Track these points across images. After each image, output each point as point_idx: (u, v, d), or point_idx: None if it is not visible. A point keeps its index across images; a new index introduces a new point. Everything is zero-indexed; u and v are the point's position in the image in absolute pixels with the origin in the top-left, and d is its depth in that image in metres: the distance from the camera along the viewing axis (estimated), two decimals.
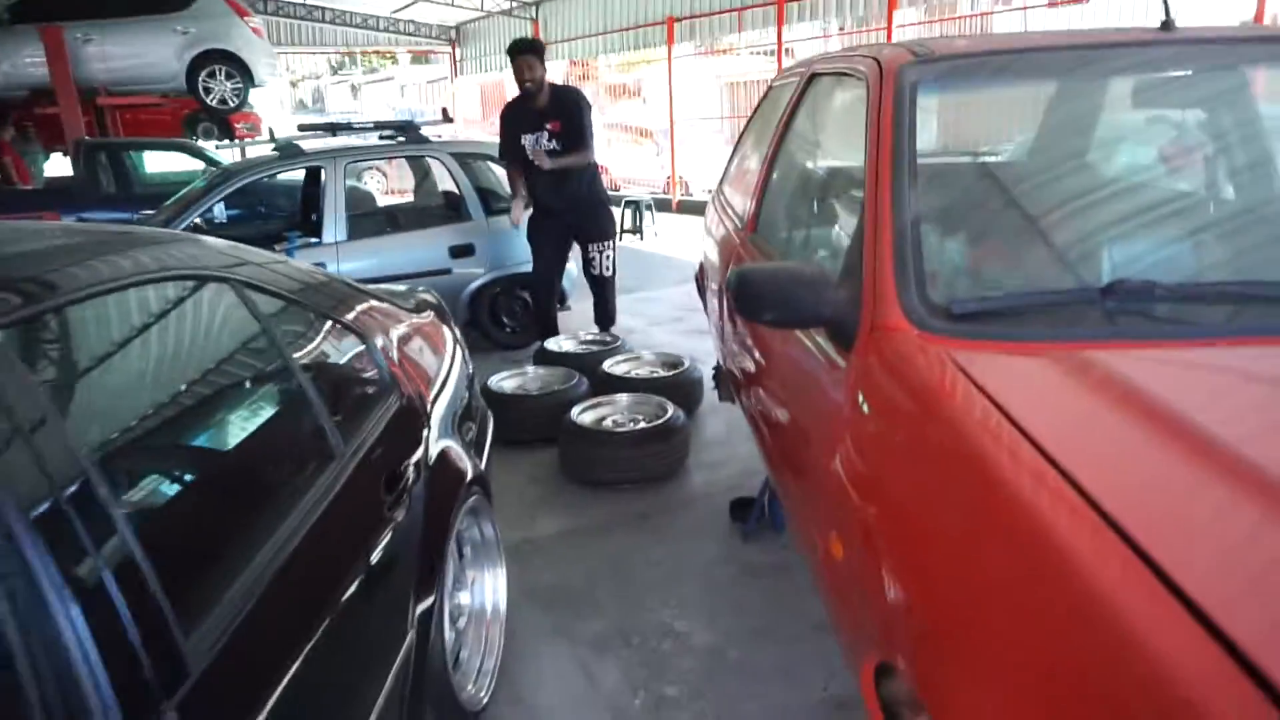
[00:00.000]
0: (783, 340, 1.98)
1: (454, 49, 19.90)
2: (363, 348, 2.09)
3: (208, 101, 10.68)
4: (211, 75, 10.56)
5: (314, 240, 5.14)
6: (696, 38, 13.44)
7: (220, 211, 6.34)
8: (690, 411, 4.20)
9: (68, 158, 9.41)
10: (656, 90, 30.15)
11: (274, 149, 5.59)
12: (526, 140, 4.92)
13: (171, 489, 1.53)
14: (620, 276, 8.07)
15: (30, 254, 1.41)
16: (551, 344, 5.01)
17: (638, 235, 10.57)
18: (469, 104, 26.50)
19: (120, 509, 1.10)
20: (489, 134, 18.93)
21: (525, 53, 4.86)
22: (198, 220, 5.29)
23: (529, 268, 5.63)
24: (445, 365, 2.56)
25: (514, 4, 16.28)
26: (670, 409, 3.77)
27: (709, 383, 4.32)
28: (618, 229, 5.28)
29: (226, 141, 12.20)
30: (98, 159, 8.10)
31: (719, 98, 27.77)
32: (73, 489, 1.03)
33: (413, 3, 16.35)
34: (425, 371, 2.39)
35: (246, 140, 11.46)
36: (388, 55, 38.84)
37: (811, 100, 2.46)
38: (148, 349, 1.58)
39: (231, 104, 10.85)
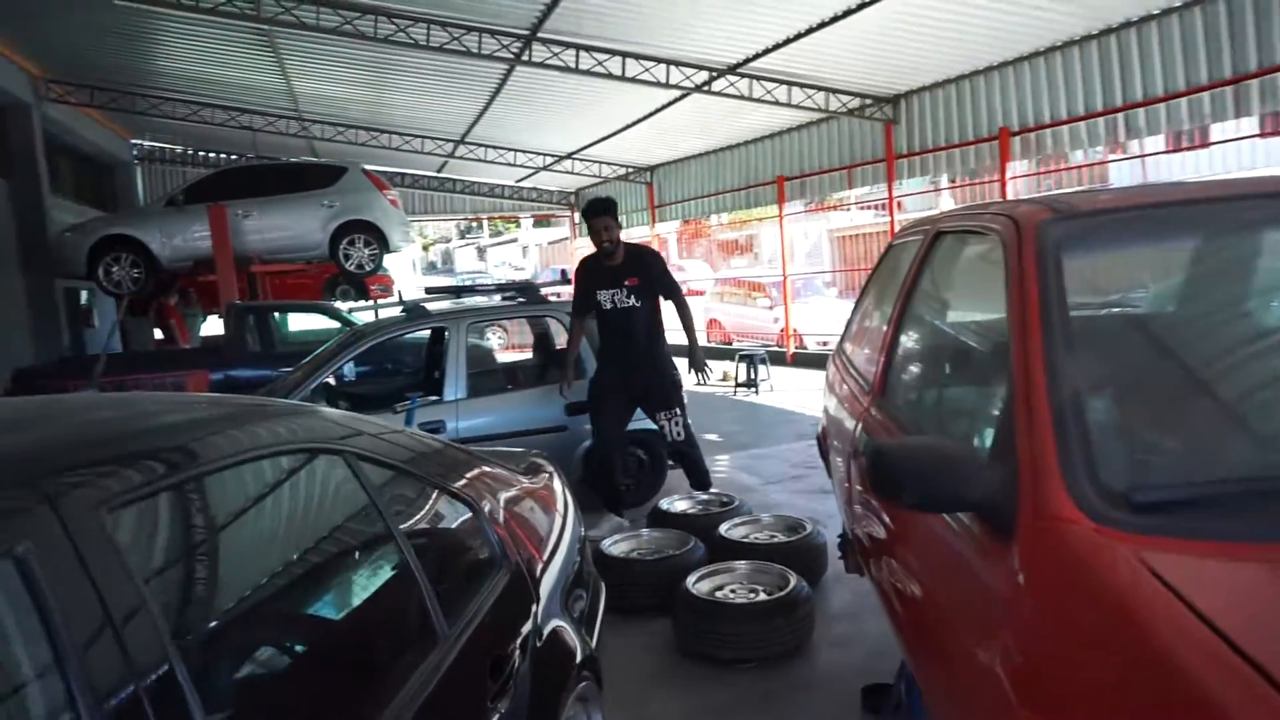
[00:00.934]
0: (924, 514, 1.80)
1: (573, 212, 21.02)
2: (472, 517, 2.02)
3: (346, 267, 11.50)
4: (351, 243, 11.41)
5: (435, 398, 5.27)
6: (806, 194, 13.72)
7: (350, 370, 6.64)
8: (814, 581, 3.93)
9: (221, 319, 10.20)
10: (768, 245, 30.87)
11: (401, 311, 5.86)
12: (603, 295, 5.03)
13: (272, 669, 1.46)
14: (735, 432, 8.08)
15: (156, 429, 1.42)
16: (666, 504, 4.87)
17: (752, 389, 10.47)
18: None
19: (211, 689, 1.05)
20: None
21: (602, 214, 5.01)
22: (329, 380, 5.54)
23: (643, 425, 5.59)
24: (556, 532, 2.46)
25: (629, 170, 17.19)
26: (793, 580, 3.53)
27: (833, 549, 4.06)
28: (684, 393, 5.27)
29: (362, 302, 13.12)
30: (246, 320, 8.74)
31: (829, 250, 28.21)
32: (165, 670, 1.01)
33: (535, 172, 17.49)
34: (536, 539, 2.29)
35: (380, 301, 12.24)
36: (512, 219, 41.47)
37: (938, 259, 2.36)
38: (260, 523, 1.55)
39: (367, 268, 11.64)
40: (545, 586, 2.16)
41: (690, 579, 3.61)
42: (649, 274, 5.02)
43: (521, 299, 5.88)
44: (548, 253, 42.19)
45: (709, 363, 5.57)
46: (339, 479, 1.65)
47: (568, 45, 9.57)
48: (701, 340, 5.71)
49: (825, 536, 4.18)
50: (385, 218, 11.58)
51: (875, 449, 1.46)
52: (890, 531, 2.16)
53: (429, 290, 6.39)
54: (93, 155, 16.48)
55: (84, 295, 14.63)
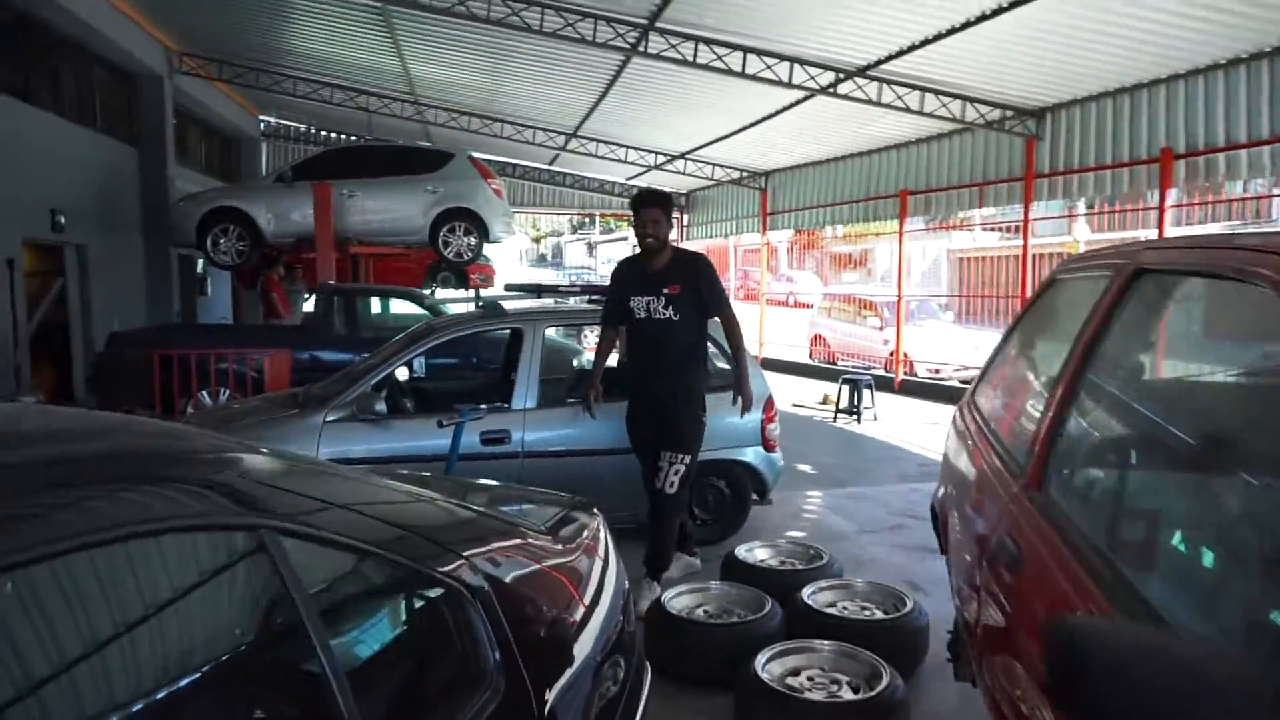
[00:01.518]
0: None
1: (682, 214, 20.50)
2: (459, 612, 1.49)
3: (445, 254, 11.30)
4: (452, 231, 11.19)
5: (502, 405, 4.83)
6: (930, 210, 12.78)
7: (420, 365, 6.29)
8: (910, 672, 3.27)
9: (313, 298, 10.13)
10: (882, 261, 29.60)
11: (479, 307, 5.45)
12: (637, 303, 4.23)
13: None
14: (831, 465, 7.37)
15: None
16: (744, 551, 4.27)
17: (854, 416, 9.70)
18: None
19: None
20: None
21: (651, 205, 4.21)
22: (398, 374, 5.17)
23: (730, 451, 5.01)
24: (582, 619, 1.91)
25: (743, 174, 16.54)
26: (886, 676, 2.88)
27: (937, 631, 3.39)
28: (701, 441, 4.29)
29: (462, 291, 12.95)
30: (333, 302, 8.57)
31: (948, 271, 26.75)
32: None
33: (646, 170, 17.05)
34: (555, 637, 1.75)
35: (480, 291, 12.04)
36: (623, 217, 41.29)
37: (1143, 307, 1.70)
38: (108, 649, 1.06)
39: (466, 257, 11.41)
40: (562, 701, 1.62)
41: (761, 657, 3.01)
42: (694, 283, 4.18)
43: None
44: None
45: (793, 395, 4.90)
46: (245, 571, 1.15)
47: (686, 37, 9.04)
48: (754, 373, 4.71)
49: (928, 618, 3.51)
50: (487, 206, 11.32)
51: (1067, 637, 0.86)
52: (1030, 655, 1.53)
53: (508, 287, 5.97)
54: (221, 129, 16.98)
55: (199, 264, 15.03)
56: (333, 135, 17.92)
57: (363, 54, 12.07)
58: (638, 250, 4.42)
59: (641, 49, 9.12)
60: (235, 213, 10.81)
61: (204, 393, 8.07)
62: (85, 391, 8.82)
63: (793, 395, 11.53)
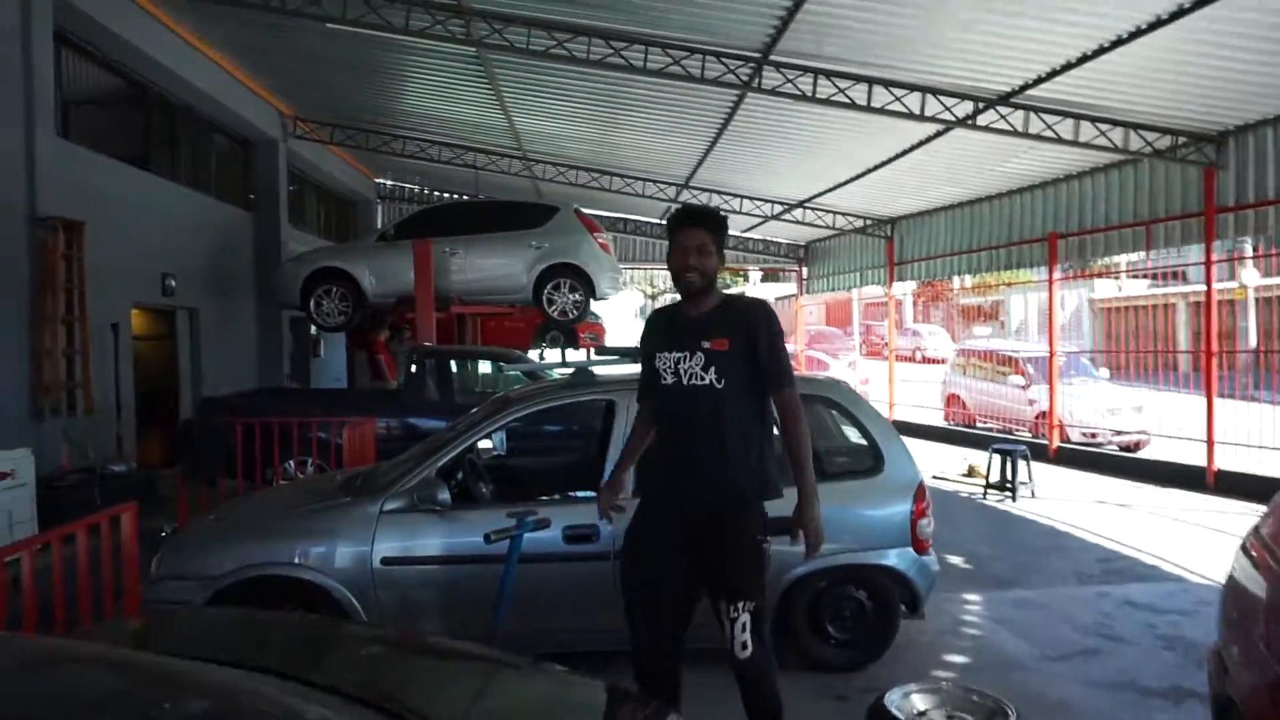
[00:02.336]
0: None
1: (801, 266, 19.51)
2: None
3: (550, 313, 10.73)
4: (556, 288, 10.63)
5: (586, 495, 4.00)
6: (1085, 254, 11.35)
7: (500, 441, 5.56)
8: None
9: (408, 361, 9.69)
10: (1016, 313, 27.50)
11: (569, 374, 4.68)
12: (664, 361, 2.87)
13: None
14: (987, 558, 6.11)
15: None
16: (895, 701, 3.22)
17: (1008, 493, 8.39)
18: (815, 323, 26.07)
19: None
20: (823, 352, 17.15)
21: (695, 225, 2.87)
22: (473, 456, 4.45)
23: (871, 554, 4.00)
24: None
25: (868, 222, 15.46)
26: None
27: None
28: (768, 569, 2.83)
29: (570, 352, 12.34)
30: (426, 365, 8.04)
31: (1091, 323, 24.54)
32: None
33: (763, 221, 16.20)
34: None
35: (591, 351, 11.40)
36: (740, 271, 40.58)
37: None
38: None
39: (571, 315, 10.80)
40: None
41: None
42: (749, 337, 2.81)
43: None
44: (775, 309, 40.62)
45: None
46: None
47: (804, 70, 8.21)
48: (897, 452, 3.92)
49: None
50: (594, 262, 10.71)
51: None
52: None
53: (599, 351, 5.18)
54: (338, 192, 17.26)
55: (314, 326, 15.08)
56: (444, 195, 17.96)
57: (467, 109, 11.83)
58: (672, 303, 3.11)
59: (755, 84, 8.34)
60: (338, 273, 10.59)
61: (290, 463, 7.63)
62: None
63: (931, 464, 10.27)
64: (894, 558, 4.03)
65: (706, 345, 2.80)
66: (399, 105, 12.31)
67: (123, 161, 9.41)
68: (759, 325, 2.82)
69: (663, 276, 51.75)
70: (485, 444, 5.42)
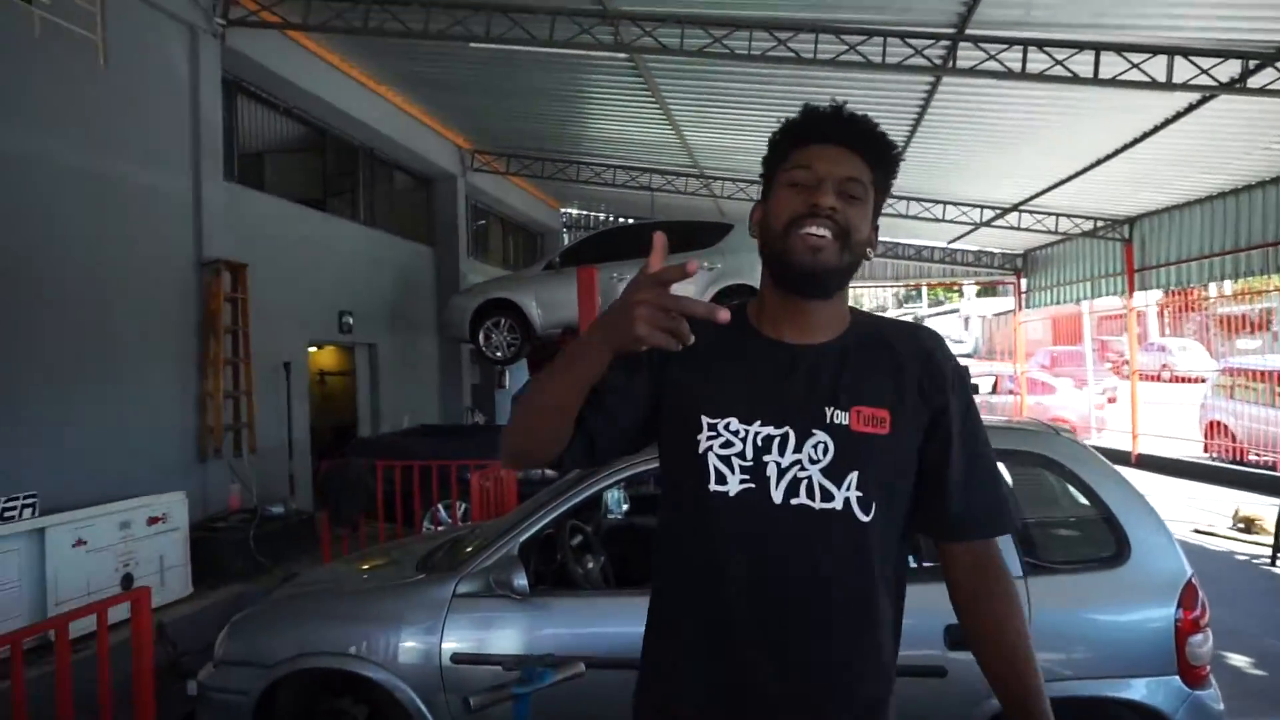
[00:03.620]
0: None
1: (1019, 278, 17.35)
2: None
3: None
4: None
5: None
6: None
7: (616, 501, 4.69)
8: None
9: None
10: None
11: None
12: (728, 438, 1.34)
13: None
14: None
15: None
16: None
17: None
18: (1037, 340, 23.29)
19: None
20: (1053, 374, 14.69)
21: (844, 140, 1.36)
22: (577, 523, 3.65)
23: (1110, 683, 2.78)
24: None
25: (1099, 223, 13.31)
26: None
27: None
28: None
29: None
30: None
31: None
32: None
33: (971, 229, 14.43)
34: None
35: None
36: (955, 286, 37.80)
37: None
38: None
39: None
40: None
41: None
42: (930, 412, 1.37)
43: None
44: (991, 326, 37.33)
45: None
46: None
47: (1009, 42, 6.85)
48: (1149, 530, 2.60)
49: None
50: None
51: None
52: None
53: None
54: (522, 223, 17.37)
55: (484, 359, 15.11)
56: (625, 220, 17.63)
57: (635, 128, 11.26)
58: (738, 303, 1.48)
59: (949, 65, 7.07)
60: (506, 305, 10.32)
61: (441, 505, 7.23)
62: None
63: (1188, 514, 8.33)
64: (1146, 690, 2.77)
65: (842, 418, 1.33)
66: (568, 130, 11.99)
67: (301, 203, 9.62)
68: (948, 387, 1.38)
69: (869, 295, 49.05)
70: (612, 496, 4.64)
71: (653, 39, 7.21)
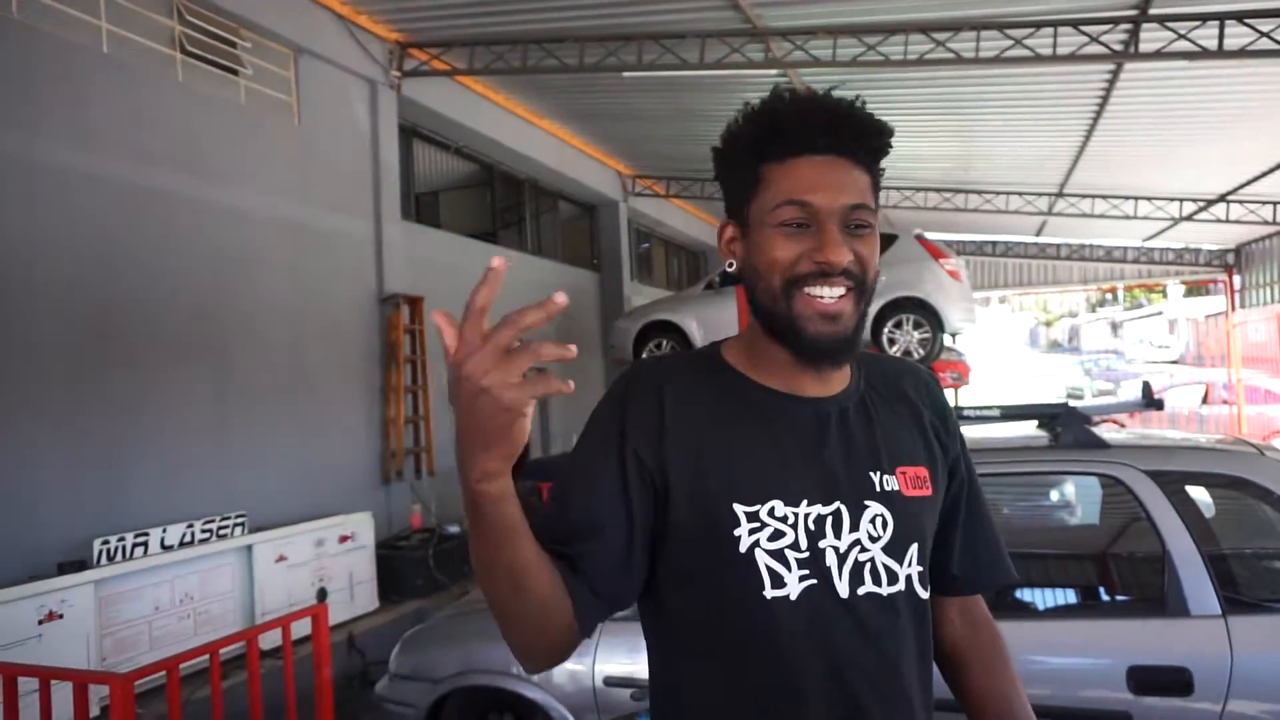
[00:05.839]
0: None
1: (1230, 275, 15.68)
2: None
3: (892, 354, 9.50)
4: (898, 325, 9.39)
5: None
6: None
7: None
8: None
9: None
10: None
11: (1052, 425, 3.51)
12: (771, 528, 1.06)
13: None
14: None
15: None
16: None
17: None
18: (1262, 346, 20.77)
19: None
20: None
21: (841, 147, 1.07)
22: None
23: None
24: None
25: None
26: None
27: None
28: None
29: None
30: None
31: None
32: None
33: (1170, 224, 13.21)
34: None
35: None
36: (1156, 287, 34.72)
37: None
38: None
39: (916, 355, 9.45)
40: None
41: None
42: (946, 461, 1.21)
43: (1058, 433, 3.11)
44: (1203, 329, 33.80)
45: None
46: None
47: (1202, 18, 6.24)
48: None
49: None
50: (939, 292, 9.29)
51: None
52: None
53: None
54: (684, 243, 17.53)
55: None
56: None
57: None
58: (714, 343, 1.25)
59: (1132, 50, 6.52)
60: (668, 326, 10.44)
61: None
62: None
63: None
64: None
65: (891, 483, 1.13)
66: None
67: (472, 237, 10.17)
68: (955, 430, 1.24)
69: (1059, 300, 45.71)
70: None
71: (804, 52, 7.11)
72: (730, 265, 1.15)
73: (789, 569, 1.06)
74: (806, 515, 1.07)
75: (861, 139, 1.08)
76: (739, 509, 1.06)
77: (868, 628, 1.07)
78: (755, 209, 1.11)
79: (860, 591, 1.07)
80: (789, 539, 1.06)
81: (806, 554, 1.06)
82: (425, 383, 8.10)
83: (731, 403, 1.12)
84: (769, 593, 1.05)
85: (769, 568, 1.05)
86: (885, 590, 1.08)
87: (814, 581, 1.06)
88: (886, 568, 1.09)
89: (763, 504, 1.06)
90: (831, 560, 1.06)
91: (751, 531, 1.05)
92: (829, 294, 1.05)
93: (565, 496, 1.10)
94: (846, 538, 1.07)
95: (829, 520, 1.07)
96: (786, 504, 1.06)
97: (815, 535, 1.06)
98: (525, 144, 10.62)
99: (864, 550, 1.08)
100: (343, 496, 6.91)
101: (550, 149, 11.23)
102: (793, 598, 1.05)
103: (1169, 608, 2.57)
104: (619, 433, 1.09)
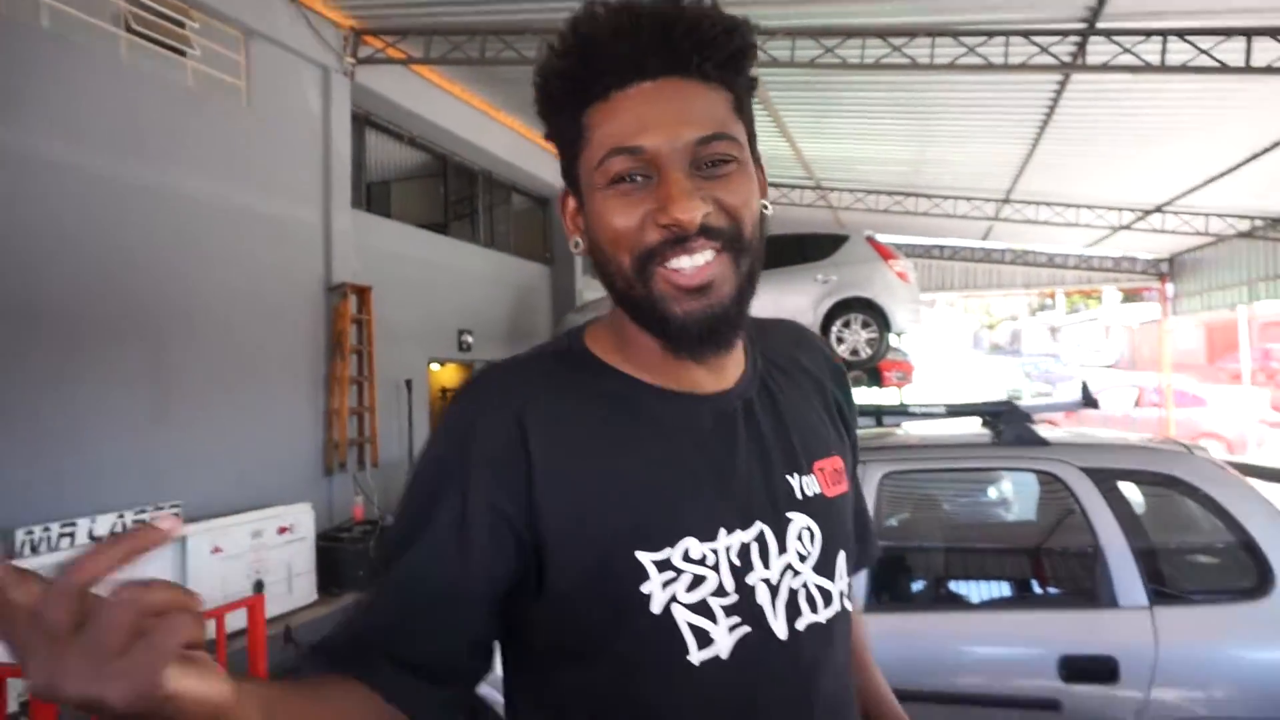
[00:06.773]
0: None
1: (1164, 283, 16.20)
2: None
3: (839, 352, 9.62)
4: (846, 325, 9.51)
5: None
6: None
7: None
8: None
9: None
10: None
11: (991, 419, 3.56)
12: (714, 564, 0.83)
13: None
14: None
15: None
16: None
17: None
18: (1191, 353, 21.61)
19: None
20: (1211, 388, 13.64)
21: (675, 65, 0.81)
22: None
23: None
24: None
25: (1257, 222, 12.27)
26: None
27: None
28: None
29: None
30: None
31: None
32: None
33: (1109, 233, 13.60)
34: None
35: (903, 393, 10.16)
36: (1093, 294, 35.70)
37: None
38: None
39: (863, 354, 9.59)
40: None
41: None
42: (852, 416, 1.06)
43: (999, 431, 3.17)
44: (1137, 336, 34.89)
45: None
46: None
47: (1146, 33, 6.42)
48: None
49: None
50: (888, 293, 9.44)
51: None
52: None
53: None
54: None
55: None
56: None
57: None
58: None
59: (1079, 62, 6.69)
60: None
61: None
62: None
63: None
64: None
65: (812, 485, 0.93)
66: None
67: (423, 228, 10.03)
68: (854, 404, 1.07)
69: (1001, 304, 46.83)
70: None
71: (764, 52, 7.14)
72: (576, 246, 0.89)
73: (715, 621, 0.82)
74: (728, 548, 0.84)
75: (707, 47, 0.80)
76: (644, 558, 0.81)
77: (805, 666, 0.86)
78: (584, 169, 0.84)
79: (799, 626, 0.86)
80: (711, 584, 0.82)
81: (735, 597, 0.83)
82: (371, 374, 7.97)
83: (614, 415, 0.87)
84: (695, 656, 0.81)
85: (691, 625, 0.82)
86: (823, 616, 0.88)
87: (748, 630, 0.83)
88: (821, 589, 0.89)
89: (673, 546, 0.82)
90: (764, 596, 0.85)
91: (665, 584, 0.81)
92: (689, 264, 0.81)
93: (382, 588, 0.82)
94: (776, 564, 0.86)
95: (754, 548, 0.85)
96: (703, 540, 0.83)
97: (741, 571, 0.84)
98: (480, 135, 10.50)
99: (795, 575, 0.87)
100: (284, 488, 6.77)
101: (505, 141, 11.12)
102: (724, 656, 0.82)
103: (1100, 599, 2.65)
104: (462, 480, 0.81)
